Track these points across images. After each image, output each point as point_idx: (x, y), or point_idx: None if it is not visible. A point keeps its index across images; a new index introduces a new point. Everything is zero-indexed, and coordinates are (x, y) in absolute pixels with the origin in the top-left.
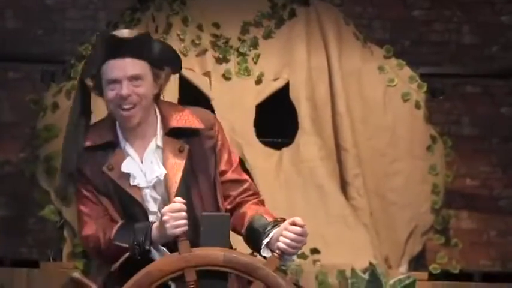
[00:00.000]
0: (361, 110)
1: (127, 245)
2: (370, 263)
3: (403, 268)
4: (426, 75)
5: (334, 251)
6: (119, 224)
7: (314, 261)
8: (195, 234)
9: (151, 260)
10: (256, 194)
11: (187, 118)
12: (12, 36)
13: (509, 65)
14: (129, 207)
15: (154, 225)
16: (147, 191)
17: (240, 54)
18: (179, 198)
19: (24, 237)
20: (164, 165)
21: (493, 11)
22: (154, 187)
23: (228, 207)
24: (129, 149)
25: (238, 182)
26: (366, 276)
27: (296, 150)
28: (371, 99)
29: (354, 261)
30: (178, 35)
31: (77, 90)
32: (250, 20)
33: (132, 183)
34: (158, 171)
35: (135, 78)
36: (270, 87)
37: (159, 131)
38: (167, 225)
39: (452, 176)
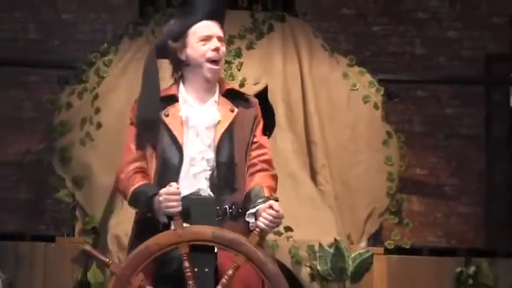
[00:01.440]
0: (328, 110)
1: (136, 209)
2: (335, 239)
3: (363, 244)
4: (383, 80)
5: (305, 229)
6: (134, 187)
7: (288, 238)
8: (233, 178)
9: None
10: (271, 166)
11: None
12: (34, 46)
13: (453, 73)
14: (169, 153)
15: (156, 199)
16: (200, 131)
17: (226, 62)
18: (175, 184)
19: (42, 216)
20: (221, 118)
21: (440, 27)
22: (202, 133)
23: (248, 163)
24: (191, 100)
25: (262, 147)
26: (331, 250)
27: (273, 143)
28: (336, 101)
29: (321, 237)
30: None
31: (152, 57)
32: (235, 34)
33: (191, 124)
34: (215, 115)
35: (220, 39)
36: (251, 91)
37: (217, 92)
38: (162, 205)
39: (405, 166)
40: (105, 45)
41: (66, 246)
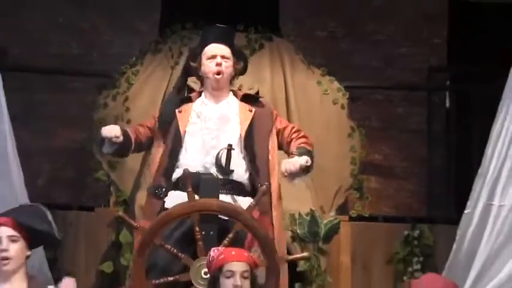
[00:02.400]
0: (306, 109)
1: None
2: (311, 210)
3: (332, 213)
4: (348, 87)
5: (288, 202)
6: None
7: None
8: (253, 169)
9: None
10: (300, 131)
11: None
12: (77, 59)
13: (403, 81)
14: (175, 144)
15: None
16: (207, 121)
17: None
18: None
19: (85, 191)
20: (239, 118)
21: (394, 45)
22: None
23: (287, 140)
24: (206, 101)
25: (288, 127)
26: (308, 218)
27: None
28: (312, 103)
29: (300, 208)
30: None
31: (182, 72)
32: (241, 47)
33: (202, 116)
34: (225, 110)
35: (223, 57)
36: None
37: (230, 96)
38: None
39: (365, 153)
40: (134, 58)
41: (102, 214)
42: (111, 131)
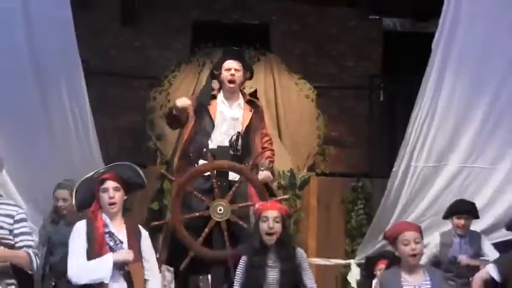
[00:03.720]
0: (288, 103)
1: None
2: (291, 168)
3: (305, 171)
4: (316, 87)
5: (275, 164)
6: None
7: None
8: (248, 155)
9: None
10: (271, 145)
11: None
12: (135, 67)
13: (352, 83)
14: (205, 126)
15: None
16: (225, 116)
17: None
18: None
19: (141, 155)
20: (242, 115)
21: (346, 60)
22: (230, 118)
23: (262, 146)
24: (224, 101)
25: (267, 135)
26: (289, 174)
27: None
28: (292, 98)
29: (283, 167)
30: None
31: (208, 75)
32: None
33: (222, 115)
34: (237, 114)
35: (236, 70)
36: (247, 92)
37: (241, 100)
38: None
39: (326, 131)
40: (173, 67)
41: (152, 171)
42: (184, 101)
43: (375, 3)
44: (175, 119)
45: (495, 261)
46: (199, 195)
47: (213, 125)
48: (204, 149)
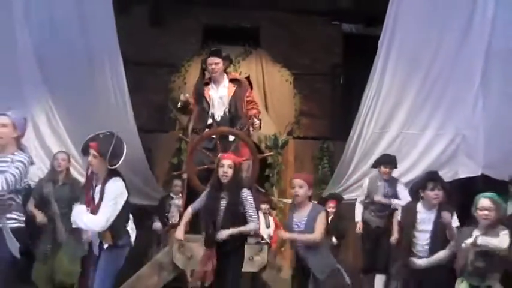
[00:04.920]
0: (272, 85)
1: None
2: (274, 133)
3: (284, 135)
4: (293, 73)
5: (263, 130)
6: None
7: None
8: (237, 114)
9: None
10: (256, 105)
11: (237, 76)
12: (159, 58)
13: (318, 71)
14: (203, 105)
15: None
16: (215, 99)
17: (233, 65)
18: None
19: (164, 123)
20: (227, 92)
21: (315, 53)
22: (218, 98)
23: (247, 107)
24: (213, 85)
25: (252, 101)
26: (273, 137)
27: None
28: (276, 82)
29: (269, 132)
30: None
31: (200, 69)
32: (239, 54)
33: (213, 96)
34: (223, 93)
35: (216, 63)
36: (243, 76)
37: (225, 81)
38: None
39: (301, 106)
40: (188, 58)
41: (172, 135)
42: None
43: (337, 13)
44: (183, 109)
45: (402, 208)
46: (207, 153)
47: (209, 105)
48: (211, 121)
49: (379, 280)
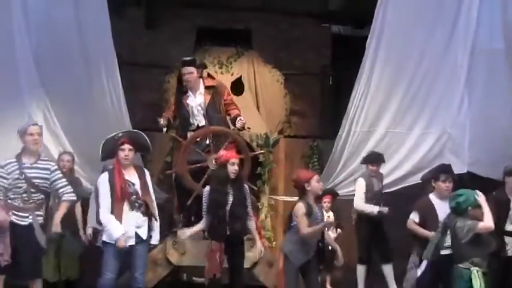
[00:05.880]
0: (264, 85)
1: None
2: (266, 132)
3: (275, 134)
4: (283, 74)
5: (254, 130)
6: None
7: (249, 131)
8: (220, 120)
9: None
10: (236, 106)
11: (211, 82)
12: (155, 59)
13: (309, 71)
14: (184, 113)
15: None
16: (194, 106)
17: (225, 66)
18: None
19: (159, 123)
20: (203, 99)
21: (306, 55)
22: (197, 105)
23: (226, 108)
24: (190, 93)
25: (232, 103)
26: (264, 136)
27: (242, 99)
28: (267, 82)
29: (260, 131)
30: (210, 61)
31: (177, 77)
32: (232, 55)
33: (190, 104)
34: (200, 100)
35: (190, 72)
36: (233, 78)
37: (201, 88)
38: None
39: (291, 105)
40: (181, 60)
41: (166, 134)
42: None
43: (326, 15)
44: (168, 127)
45: (414, 207)
46: (200, 151)
47: (188, 113)
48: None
49: (388, 268)
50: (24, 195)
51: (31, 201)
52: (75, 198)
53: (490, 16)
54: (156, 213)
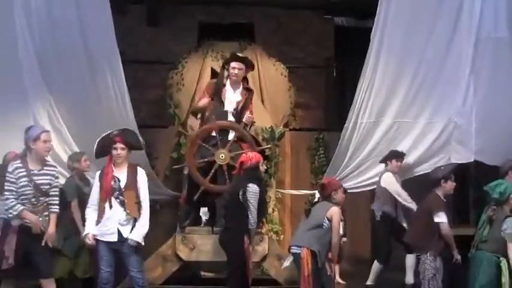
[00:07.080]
0: (268, 78)
1: None
2: (271, 125)
3: (281, 127)
4: (287, 67)
5: (260, 123)
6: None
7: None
8: (239, 121)
9: None
10: (252, 113)
11: (249, 85)
12: (160, 57)
13: (312, 64)
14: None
15: None
16: (230, 102)
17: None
18: None
19: (163, 118)
20: (241, 98)
21: (309, 48)
22: (233, 102)
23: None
24: (230, 88)
25: (251, 112)
26: (270, 129)
27: None
28: (271, 75)
29: (266, 124)
30: (213, 56)
31: (221, 68)
32: (234, 50)
33: (228, 97)
34: (238, 98)
35: (239, 68)
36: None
37: (240, 87)
38: None
39: (296, 98)
40: (185, 55)
41: (172, 130)
42: (203, 102)
43: (329, 6)
44: (196, 113)
45: (439, 207)
46: (207, 146)
47: (223, 105)
48: (213, 116)
49: (410, 259)
50: (33, 199)
51: (39, 204)
52: (58, 211)
53: (494, 4)
54: (145, 212)
